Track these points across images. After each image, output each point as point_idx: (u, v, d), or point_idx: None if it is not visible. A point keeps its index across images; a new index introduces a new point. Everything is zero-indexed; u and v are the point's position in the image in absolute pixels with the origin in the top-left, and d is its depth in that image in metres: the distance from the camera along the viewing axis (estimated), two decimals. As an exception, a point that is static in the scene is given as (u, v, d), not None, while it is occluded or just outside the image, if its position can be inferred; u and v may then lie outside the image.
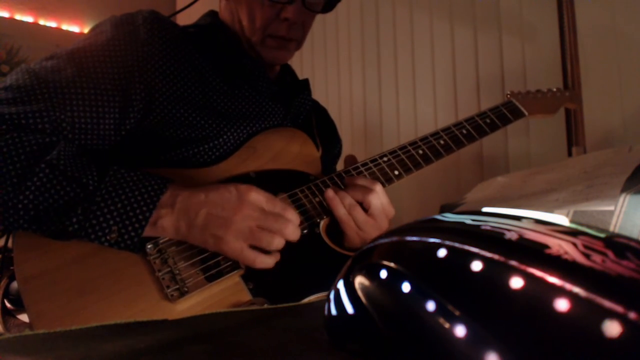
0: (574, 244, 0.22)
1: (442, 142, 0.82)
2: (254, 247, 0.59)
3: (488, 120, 0.87)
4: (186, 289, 0.59)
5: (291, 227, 0.61)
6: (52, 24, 2.42)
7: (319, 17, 0.84)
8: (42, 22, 2.39)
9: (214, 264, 0.62)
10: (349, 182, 0.74)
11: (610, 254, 0.21)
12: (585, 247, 0.22)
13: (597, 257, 0.21)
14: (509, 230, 0.24)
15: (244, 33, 0.79)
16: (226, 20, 0.82)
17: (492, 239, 0.24)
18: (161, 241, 0.61)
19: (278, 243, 0.60)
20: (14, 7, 2.31)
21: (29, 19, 2.35)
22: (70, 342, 0.31)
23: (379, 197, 0.71)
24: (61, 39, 2.36)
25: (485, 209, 0.28)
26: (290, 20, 0.75)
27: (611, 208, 0.56)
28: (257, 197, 0.60)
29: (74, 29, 2.47)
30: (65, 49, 0.67)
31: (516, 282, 0.21)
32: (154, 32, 0.70)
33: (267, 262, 0.60)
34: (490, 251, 0.23)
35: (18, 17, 2.32)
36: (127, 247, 0.58)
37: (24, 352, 0.29)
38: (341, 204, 0.70)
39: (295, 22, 0.77)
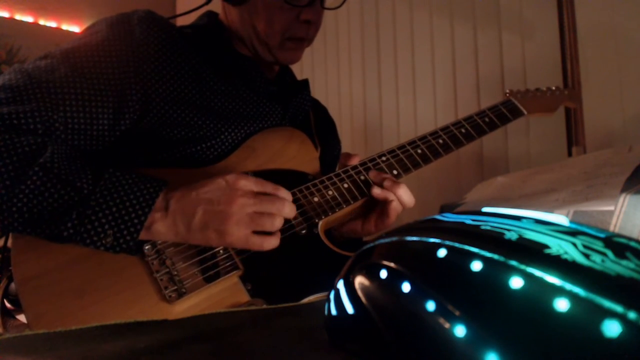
0: (574, 244, 0.22)
1: (441, 141, 0.82)
2: (257, 232, 0.60)
3: (487, 120, 0.87)
4: (184, 290, 0.59)
5: (288, 205, 0.61)
6: (52, 24, 2.42)
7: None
8: (42, 22, 2.39)
9: (213, 265, 0.62)
10: (374, 176, 0.76)
11: (609, 254, 0.21)
12: (585, 247, 0.22)
13: (596, 257, 0.21)
14: (509, 230, 0.24)
15: (259, 37, 0.78)
16: (234, 26, 0.81)
17: (492, 239, 0.24)
18: (159, 242, 0.61)
19: (279, 223, 0.60)
20: (14, 7, 2.31)
21: (29, 19, 2.35)
22: (70, 342, 0.31)
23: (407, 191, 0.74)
24: (61, 39, 2.36)
25: (485, 209, 0.28)
26: (311, 21, 0.76)
27: (611, 208, 0.56)
28: (247, 182, 0.60)
29: (74, 29, 2.47)
30: (60, 49, 0.66)
31: (516, 282, 0.21)
32: (149, 32, 0.70)
33: (273, 242, 0.60)
34: (490, 251, 0.23)
35: (18, 17, 2.32)
36: (123, 251, 0.57)
37: (24, 352, 0.29)
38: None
39: (314, 23, 0.78)
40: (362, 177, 0.76)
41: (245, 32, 0.79)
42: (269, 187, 0.62)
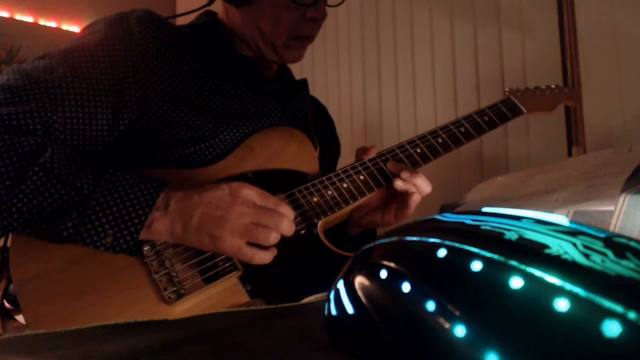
0: (574, 244, 0.22)
1: (440, 140, 0.82)
2: (251, 244, 0.59)
3: (486, 118, 0.87)
4: (183, 291, 0.59)
5: (286, 222, 0.60)
6: (52, 24, 2.42)
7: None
8: (42, 22, 2.39)
9: (212, 266, 0.62)
10: (392, 167, 0.77)
11: (609, 254, 0.21)
12: (585, 247, 0.22)
13: (596, 257, 0.21)
14: (509, 230, 0.24)
15: (265, 37, 0.78)
16: (236, 26, 0.81)
17: (492, 239, 0.24)
18: (158, 243, 0.61)
19: (274, 238, 0.59)
20: (14, 7, 2.30)
21: (29, 19, 2.35)
22: (70, 342, 0.31)
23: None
24: (61, 39, 2.35)
25: (485, 209, 0.28)
26: (317, 19, 0.77)
27: (611, 208, 0.56)
28: (250, 193, 0.59)
29: (74, 29, 2.47)
30: (58, 49, 0.66)
31: (516, 282, 0.21)
32: (148, 31, 0.70)
33: (265, 257, 0.59)
34: (490, 251, 0.23)
35: (18, 17, 2.32)
36: (122, 251, 0.57)
37: (24, 352, 0.29)
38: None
39: (319, 21, 0.78)
40: (362, 177, 0.76)
41: (249, 32, 0.79)
42: (271, 202, 0.61)
